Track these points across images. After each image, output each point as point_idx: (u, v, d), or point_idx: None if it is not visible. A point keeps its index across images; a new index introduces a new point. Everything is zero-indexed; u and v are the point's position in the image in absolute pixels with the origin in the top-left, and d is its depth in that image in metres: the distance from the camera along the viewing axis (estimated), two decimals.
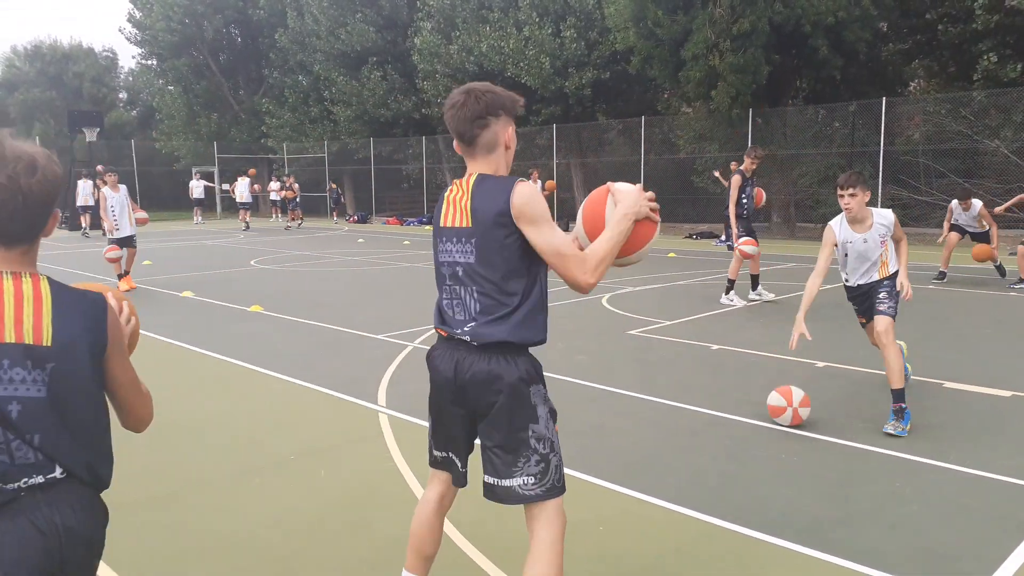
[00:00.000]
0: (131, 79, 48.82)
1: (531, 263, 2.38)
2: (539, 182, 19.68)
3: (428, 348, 2.67)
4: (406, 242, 20.35)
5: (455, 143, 2.46)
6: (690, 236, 20.72)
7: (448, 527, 3.58)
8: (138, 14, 36.33)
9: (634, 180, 23.00)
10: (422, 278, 12.70)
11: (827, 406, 5.36)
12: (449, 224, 2.45)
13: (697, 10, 18.54)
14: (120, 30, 43.47)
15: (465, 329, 2.41)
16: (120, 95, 48.92)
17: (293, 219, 26.87)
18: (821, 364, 6.52)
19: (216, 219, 33.47)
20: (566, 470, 4.22)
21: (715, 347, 7.22)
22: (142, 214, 12.25)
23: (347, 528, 3.63)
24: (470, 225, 2.38)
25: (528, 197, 2.32)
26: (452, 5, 26.88)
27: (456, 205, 2.43)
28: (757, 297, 10.02)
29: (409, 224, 28.93)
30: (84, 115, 30.28)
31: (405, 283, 12.18)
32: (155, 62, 39.11)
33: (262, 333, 8.29)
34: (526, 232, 2.32)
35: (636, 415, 5.27)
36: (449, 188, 2.49)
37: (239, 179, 27.73)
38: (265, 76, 36.43)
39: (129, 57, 47.37)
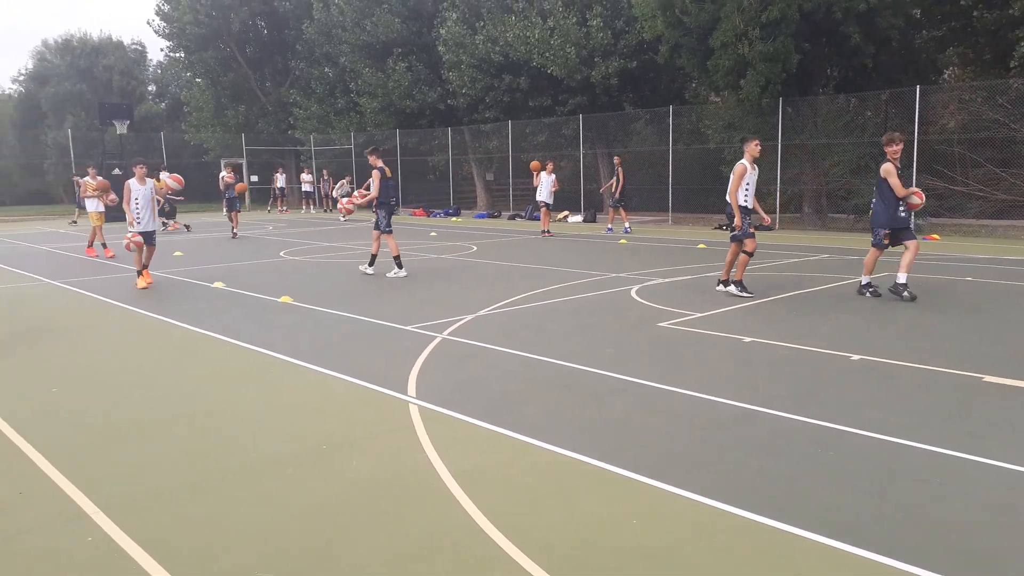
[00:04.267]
0: (159, 72, 49.33)
1: None
2: (553, 175, 19.35)
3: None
4: (433, 233, 20.37)
5: None
6: (719, 227, 20.51)
7: (482, 520, 3.57)
8: (166, 7, 36.69)
9: (662, 171, 22.70)
10: (449, 269, 12.70)
11: (863, 400, 5.27)
12: None
13: None
14: (148, 23, 43.83)
15: None
16: (149, 88, 49.47)
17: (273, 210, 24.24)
18: (856, 357, 6.41)
19: (245, 210, 33.73)
20: (596, 462, 4.20)
21: (747, 339, 7.13)
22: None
23: (380, 520, 3.63)
24: None
25: None
26: None
27: None
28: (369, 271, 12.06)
29: (435, 215, 28.95)
30: (114, 107, 30.67)
31: (432, 275, 12.18)
32: (183, 55, 39.46)
33: (292, 323, 8.33)
34: None
35: (666, 408, 5.21)
36: None
37: (344, 180, 28.40)
38: (291, 68, 36.63)
39: (157, 50, 47.96)
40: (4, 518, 3.69)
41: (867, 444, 4.47)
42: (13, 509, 3.79)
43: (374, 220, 11.98)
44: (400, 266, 11.85)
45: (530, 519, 3.59)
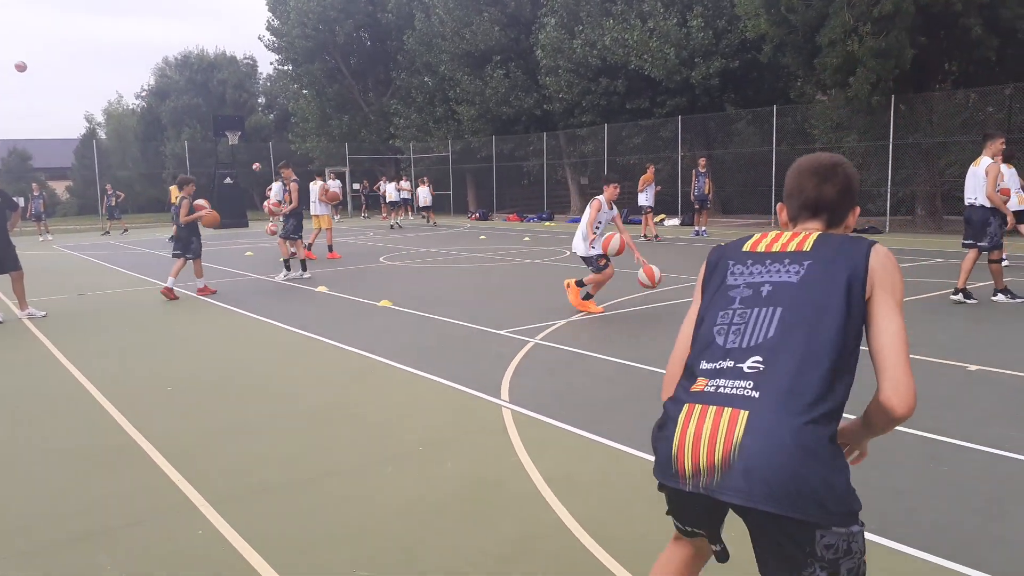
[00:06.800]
0: (269, 84, 51.55)
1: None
2: (654, 180, 19.11)
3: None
4: (526, 238, 20.47)
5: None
6: None
7: (574, 525, 3.55)
8: (276, 22, 38.32)
9: (765, 172, 22.16)
10: (542, 274, 12.73)
11: (981, 414, 4.95)
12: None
13: None
14: (260, 38, 45.95)
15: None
16: (259, 100, 51.76)
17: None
18: (974, 368, 6.03)
19: (347, 216, 34.84)
20: None
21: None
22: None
23: (472, 521, 3.67)
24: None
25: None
26: (576, 0, 26.78)
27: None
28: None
29: (529, 220, 29.09)
30: (227, 120, 32.27)
31: (525, 279, 12.24)
32: (291, 67, 41.12)
33: (391, 327, 8.54)
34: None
35: None
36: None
37: (422, 185, 27.61)
38: (393, 78, 37.58)
39: (267, 63, 50.10)
40: (121, 508, 3.93)
41: (984, 460, 4.19)
42: (130, 500, 4.03)
43: (283, 227, 12.94)
44: (288, 268, 12.84)
45: (624, 528, 3.55)
